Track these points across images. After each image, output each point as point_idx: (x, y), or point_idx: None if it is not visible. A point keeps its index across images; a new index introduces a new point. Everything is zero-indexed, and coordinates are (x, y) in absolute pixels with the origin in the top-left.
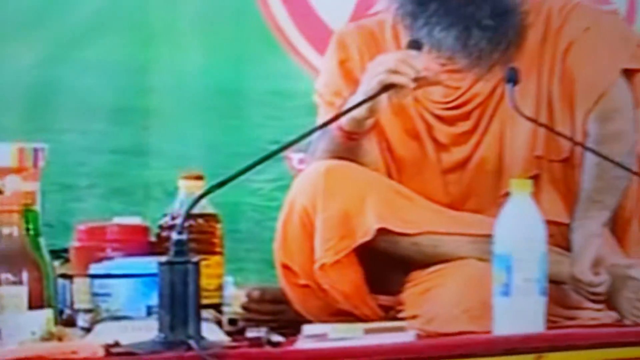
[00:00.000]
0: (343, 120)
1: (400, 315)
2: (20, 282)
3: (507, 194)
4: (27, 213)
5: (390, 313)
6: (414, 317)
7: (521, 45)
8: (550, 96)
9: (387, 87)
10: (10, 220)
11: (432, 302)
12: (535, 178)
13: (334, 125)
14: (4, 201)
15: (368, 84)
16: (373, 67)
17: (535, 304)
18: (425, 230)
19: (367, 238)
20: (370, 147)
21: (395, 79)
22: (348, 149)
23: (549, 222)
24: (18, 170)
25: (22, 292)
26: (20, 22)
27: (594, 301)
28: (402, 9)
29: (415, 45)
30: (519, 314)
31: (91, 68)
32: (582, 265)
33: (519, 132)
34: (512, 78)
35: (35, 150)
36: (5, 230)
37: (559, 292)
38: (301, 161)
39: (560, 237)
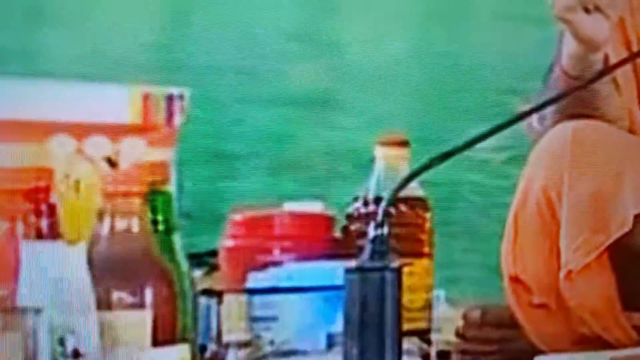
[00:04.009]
0: (563, 60)
1: None
2: (141, 305)
3: None
4: (155, 197)
5: None
6: None
7: None
8: None
9: None
10: (129, 209)
11: None
12: None
13: (556, 70)
14: (119, 178)
15: None
16: None
17: None
18: None
19: (625, 229)
20: (609, 94)
21: None
22: (581, 101)
23: None
24: (142, 129)
25: (144, 320)
26: None
27: None
28: None
29: None
30: None
31: None
32: None
33: None
34: None
35: (170, 98)
36: (120, 225)
37: None
38: (542, 120)
39: None
